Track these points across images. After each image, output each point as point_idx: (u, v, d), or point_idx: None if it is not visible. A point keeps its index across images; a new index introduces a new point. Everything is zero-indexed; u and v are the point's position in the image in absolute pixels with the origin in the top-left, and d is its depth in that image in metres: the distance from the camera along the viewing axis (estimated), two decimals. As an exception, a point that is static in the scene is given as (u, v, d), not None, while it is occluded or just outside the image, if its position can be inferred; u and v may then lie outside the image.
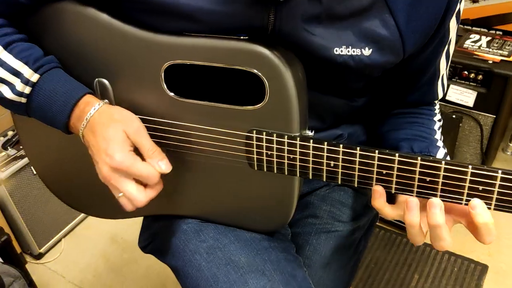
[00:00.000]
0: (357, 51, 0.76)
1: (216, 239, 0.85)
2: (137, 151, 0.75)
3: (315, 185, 1.01)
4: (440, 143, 0.87)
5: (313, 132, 0.76)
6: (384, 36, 0.76)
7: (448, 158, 0.85)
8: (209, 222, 0.88)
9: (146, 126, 0.77)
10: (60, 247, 1.99)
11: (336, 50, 0.76)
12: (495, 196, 0.64)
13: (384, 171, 0.69)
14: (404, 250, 1.84)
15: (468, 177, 0.64)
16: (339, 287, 0.92)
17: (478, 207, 0.64)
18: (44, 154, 0.96)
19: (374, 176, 0.69)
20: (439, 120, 0.94)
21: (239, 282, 0.79)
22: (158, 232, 0.94)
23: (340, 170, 0.71)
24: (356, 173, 0.70)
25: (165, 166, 0.75)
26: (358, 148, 0.69)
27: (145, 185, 0.75)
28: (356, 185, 0.71)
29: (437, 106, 0.97)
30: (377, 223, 1.08)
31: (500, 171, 0.63)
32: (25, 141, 0.98)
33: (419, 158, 0.66)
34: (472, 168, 0.64)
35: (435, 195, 0.67)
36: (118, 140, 0.72)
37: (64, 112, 0.76)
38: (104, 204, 0.89)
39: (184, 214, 0.89)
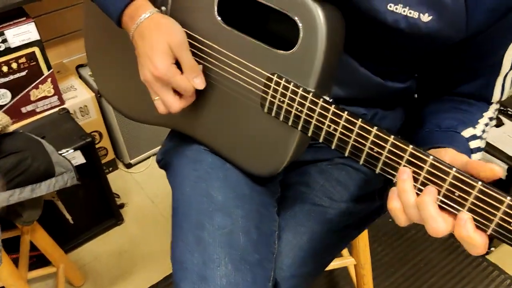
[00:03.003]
0: (414, 14, 0.64)
1: (207, 172, 0.83)
2: (177, 63, 0.74)
3: (319, 157, 0.92)
4: (476, 131, 0.72)
5: (331, 100, 0.68)
6: (447, 3, 0.63)
7: (478, 154, 0.71)
8: (213, 151, 0.85)
9: (189, 42, 0.74)
10: (148, 163, 2.05)
11: (390, 6, 0.65)
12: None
13: (375, 149, 0.59)
14: (462, 260, 1.63)
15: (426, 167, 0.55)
16: (307, 259, 0.84)
17: (462, 220, 0.52)
18: (105, 69, 0.98)
19: (366, 150, 0.60)
20: (491, 119, 0.78)
21: (206, 215, 0.78)
22: (170, 151, 0.93)
23: (337, 135, 0.63)
24: (351, 142, 0.61)
25: (199, 82, 0.74)
26: (359, 120, 0.60)
27: (180, 95, 0.75)
28: (346, 154, 0.63)
29: (493, 106, 0.79)
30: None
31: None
32: (91, 59, 1.00)
33: (410, 146, 0.56)
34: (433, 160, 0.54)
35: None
36: (162, 52, 0.71)
37: (118, 7, 0.75)
38: (142, 106, 0.90)
39: (195, 136, 0.87)
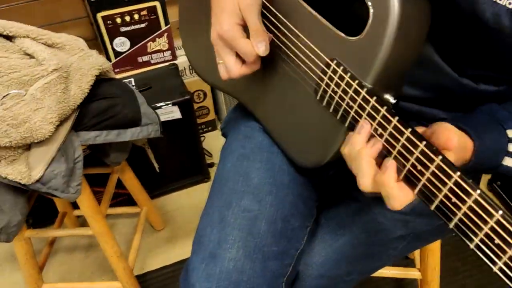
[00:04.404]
0: None
1: (252, 151, 0.77)
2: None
3: None
4: None
5: (395, 100, 0.57)
6: None
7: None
8: (266, 131, 0.79)
9: (262, 12, 0.67)
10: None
11: None
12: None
13: (419, 167, 0.48)
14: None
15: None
16: (341, 262, 0.76)
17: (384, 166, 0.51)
18: (192, 36, 0.94)
19: (409, 164, 0.49)
20: None
21: (237, 195, 0.73)
22: (230, 122, 0.89)
23: (382, 141, 0.53)
24: (394, 152, 0.51)
25: (263, 48, 0.64)
26: (409, 130, 0.49)
27: (244, 61, 0.68)
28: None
29: None
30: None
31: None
32: (182, 27, 0.97)
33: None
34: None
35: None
36: (230, 11, 0.65)
37: None
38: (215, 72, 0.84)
39: (254, 112, 0.80)
